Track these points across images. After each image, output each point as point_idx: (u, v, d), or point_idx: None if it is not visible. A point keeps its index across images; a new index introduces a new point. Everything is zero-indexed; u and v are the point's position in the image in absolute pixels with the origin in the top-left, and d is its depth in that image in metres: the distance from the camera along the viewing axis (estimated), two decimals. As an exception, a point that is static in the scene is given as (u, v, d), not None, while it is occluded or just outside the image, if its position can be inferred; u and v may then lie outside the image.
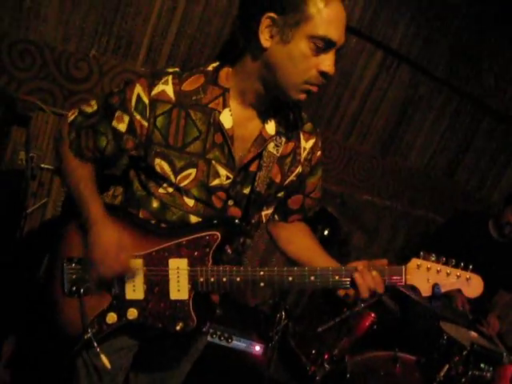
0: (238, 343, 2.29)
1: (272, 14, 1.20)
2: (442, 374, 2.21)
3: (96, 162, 1.46)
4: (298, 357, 2.66)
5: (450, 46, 3.33)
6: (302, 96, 1.30)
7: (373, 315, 2.62)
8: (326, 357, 2.48)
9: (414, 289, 1.38)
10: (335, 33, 1.21)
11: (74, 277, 1.44)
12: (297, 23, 1.19)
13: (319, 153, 1.55)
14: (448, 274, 1.36)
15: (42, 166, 2.47)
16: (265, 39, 1.23)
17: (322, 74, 1.25)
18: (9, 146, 2.33)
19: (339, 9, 1.21)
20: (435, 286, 1.35)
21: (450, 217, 3.44)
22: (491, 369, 2.18)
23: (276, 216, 1.62)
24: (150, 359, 1.67)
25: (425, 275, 1.36)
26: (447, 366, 2.22)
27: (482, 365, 2.19)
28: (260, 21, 1.21)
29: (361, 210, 3.54)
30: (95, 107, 1.41)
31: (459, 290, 1.37)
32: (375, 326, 2.64)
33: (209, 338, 2.23)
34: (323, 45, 1.21)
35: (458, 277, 1.36)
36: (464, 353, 2.28)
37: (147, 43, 2.48)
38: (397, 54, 3.16)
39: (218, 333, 2.24)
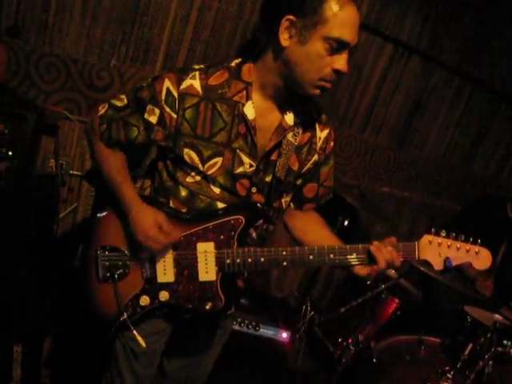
0: (266, 331, 2.37)
1: (291, 17, 1.32)
2: (466, 353, 2.25)
3: (125, 150, 1.57)
4: (325, 346, 2.72)
5: (460, 34, 3.36)
6: (317, 91, 1.42)
7: (396, 301, 2.67)
8: (350, 341, 2.53)
9: (426, 263, 1.46)
10: (349, 35, 1.33)
11: (107, 264, 1.54)
12: (314, 25, 1.31)
13: (332, 143, 1.67)
14: (458, 249, 1.44)
15: (71, 172, 2.59)
16: (284, 39, 1.35)
17: (336, 71, 1.37)
18: (39, 155, 2.46)
19: (353, 12, 1.33)
20: (447, 259, 1.43)
21: (469, 203, 3.45)
22: (515, 345, 2.22)
23: (292, 204, 1.71)
24: (182, 345, 1.77)
25: (436, 250, 1.45)
26: (471, 346, 2.25)
27: (504, 341, 2.23)
28: (280, 23, 1.33)
29: (380, 201, 3.58)
30: (125, 101, 1.51)
31: (470, 264, 1.44)
32: (399, 312, 2.69)
33: (237, 327, 2.32)
34: (337, 45, 1.33)
35: (468, 251, 1.45)
36: (488, 334, 2.31)
37: (164, 50, 2.60)
38: (406, 45, 3.21)
39: (246, 321, 2.32)
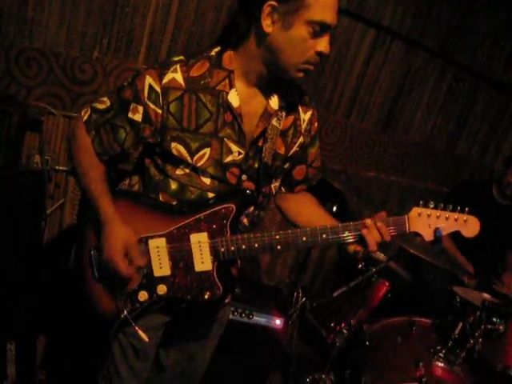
0: (259, 318, 2.38)
1: (273, 2, 1.32)
2: (456, 332, 2.29)
3: (114, 159, 1.54)
4: (318, 331, 2.75)
5: (442, 17, 3.37)
6: (300, 74, 1.43)
7: (386, 284, 2.70)
8: (343, 325, 2.57)
9: (417, 235, 1.50)
10: (330, 17, 1.34)
11: (102, 263, 1.52)
12: (296, 10, 1.31)
13: (316, 123, 1.67)
14: (447, 218, 1.48)
15: (57, 167, 2.56)
16: (266, 25, 1.35)
17: (319, 53, 1.38)
18: (24, 151, 2.43)
19: None
20: (436, 230, 1.47)
21: (455, 185, 3.50)
22: (503, 322, 2.27)
23: (283, 188, 1.72)
24: (179, 338, 1.78)
25: (426, 221, 1.48)
26: (461, 325, 2.30)
27: (494, 319, 2.28)
28: (262, 9, 1.33)
29: (367, 186, 3.62)
30: (108, 103, 1.49)
31: (459, 232, 1.49)
32: (389, 295, 2.73)
33: (230, 316, 2.33)
34: (320, 28, 1.33)
35: (456, 219, 1.48)
36: (477, 312, 2.36)
37: (146, 41, 2.57)
38: (389, 30, 3.22)
39: (239, 310, 2.33)
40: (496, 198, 3.22)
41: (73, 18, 2.38)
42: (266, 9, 1.32)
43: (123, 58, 2.55)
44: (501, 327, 2.26)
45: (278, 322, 2.43)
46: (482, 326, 2.25)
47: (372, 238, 1.46)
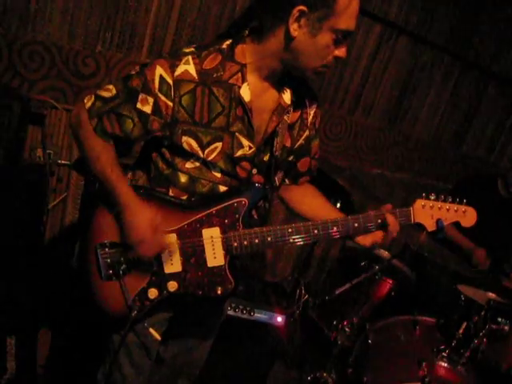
0: (260, 315, 2.36)
1: (303, 8, 1.31)
2: (461, 331, 2.26)
3: (118, 144, 1.50)
4: (320, 328, 2.73)
5: (448, 12, 3.35)
6: (315, 76, 1.46)
7: (390, 282, 2.67)
8: (345, 323, 2.55)
9: (420, 226, 1.56)
10: (354, 25, 1.37)
11: (108, 261, 1.51)
12: (325, 18, 1.32)
13: (319, 117, 1.68)
14: (448, 209, 1.58)
15: (59, 162, 2.55)
16: (294, 29, 1.35)
17: (336, 58, 1.41)
18: (26, 145, 2.42)
19: (358, 3, 1.36)
20: (438, 220, 1.56)
21: (460, 179, 3.47)
22: (508, 322, 2.24)
23: (287, 180, 1.72)
24: (179, 331, 1.77)
25: (429, 213, 1.57)
26: (465, 324, 2.27)
27: (499, 319, 2.25)
28: (291, 12, 1.32)
29: (371, 183, 3.59)
30: (114, 91, 1.43)
31: (458, 222, 1.58)
32: (393, 293, 2.70)
33: (231, 312, 2.32)
34: (343, 36, 1.36)
35: (456, 210, 1.58)
36: (482, 312, 2.33)
37: (150, 35, 2.56)
38: (395, 25, 3.19)
39: (240, 306, 2.32)
40: (501, 192, 3.20)
41: (76, 11, 2.37)
42: (296, 13, 1.32)
43: (126, 52, 2.54)
44: (506, 327, 2.23)
45: (279, 319, 2.41)
46: (487, 326, 2.22)
47: (395, 224, 1.52)
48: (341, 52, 1.39)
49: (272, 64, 1.44)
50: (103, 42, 2.48)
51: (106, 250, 1.51)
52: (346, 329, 2.50)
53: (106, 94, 1.44)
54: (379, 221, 1.52)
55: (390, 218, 1.51)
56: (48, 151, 2.46)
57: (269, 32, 1.39)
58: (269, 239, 1.48)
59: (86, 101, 1.46)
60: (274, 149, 1.52)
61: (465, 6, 3.39)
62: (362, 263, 2.62)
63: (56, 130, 2.53)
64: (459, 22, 3.42)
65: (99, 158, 1.45)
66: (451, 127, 3.85)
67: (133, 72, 1.44)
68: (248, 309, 2.36)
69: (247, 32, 1.44)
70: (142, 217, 1.42)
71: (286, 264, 3.48)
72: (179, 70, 1.39)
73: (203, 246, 1.49)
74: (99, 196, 1.53)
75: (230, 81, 1.43)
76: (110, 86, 1.44)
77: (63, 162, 2.57)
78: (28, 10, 2.28)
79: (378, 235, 1.54)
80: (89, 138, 1.46)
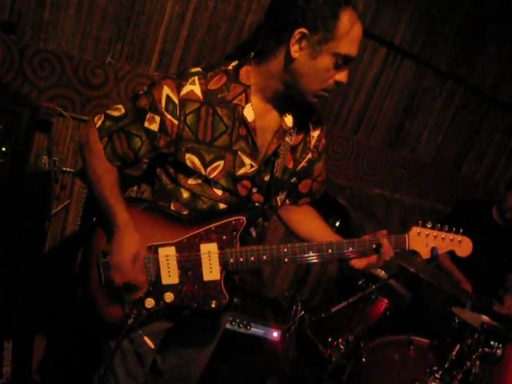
0: (257, 330, 2.37)
1: (304, 30, 1.34)
2: (454, 353, 2.28)
3: (126, 165, 1.55)
4: (315, 345, 2.74)
5: (453, 38, 3.40)
6: (316, 100, 1.48)
7: (386, 301, 2.69)
8: (340, 340, 2.56)
9: (415, 253, 1.57)
10: (355, 50, 1.38)
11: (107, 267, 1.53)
12: (325, 41, 1.34)
13: (324, 140, 1.71)
14: (443, 238, 1.58)
15: (64, 169, 2.58)
16: (294, 51, 1.37)
17: (337, 83, 1.42)
18: (33, 151, 2.45)
19: (360, 29, 1.38)
20: (433, 249, 1.56)
21: (456, 204, 3.51)
22: (501, 346, 2.26)
23: (287, 200, 1.74)
24: (177, 342, 1.79)
25: (424, 240, 1.57)
26: (459, 346, 2.29)
27: (491, 342, 2.27)
28: (292, 34, 1.35)
29: (371, 202, 3.62)
30: (123, 111, 1.48)
31: (453, 251, 1.59)
32: (388, 312, 2.72)
33: (228, 326, 2.33)
34: (343, 60, 1.37)
35: (452, 240, 1.58)
36: (475, 335, 2.35)
37: (159, 49, 2.60)
38: (400, 49, 3.24)
39: (237, 320, 2.33)
40: (496, 219, 3.23)
41: (88, 22, 2.41)
42: (297, 35, 1.34)
43: (135, 64, 2.58)
44: (498, 351, 2.25)
45: (275, 334, 2.42)
46: (480, 349, 2.24)
47: (389, 250, 1.52)
48: (341, 76, 1.40)
49: (274, 86, 1.46)
50: (113, 53, 2.52)
51: (108, 257, 1.53)
52: (341, 346, 2.52)
53: (115, 114, 1.49)
54: (374, 246, 1.54)
55: (385, 244, 1.52)
56: (53, 158, 2.49)
57: (272, 53, 1.42)
58: (264, 257, 1.51)
59: (96, 120, 1.50)
60: (275, 170, 1.55)
61: (469, 31, 3.44)
62: (359, 282, 2.64)
63: (62, 138, 2.56)
64: (463, 47, 3.47)
65: (100, 179, 1.50)
66: (452, 150, 3.89)
67: (141, 92, 1.48)
68: (245, 323, 2.37)
69: (253, 54, 1.47)
70: (128, 246, 1.47)
71: (284, 280, 3.49)
72: (185, 90, 1.44)
73: (201, 260, 1.52)
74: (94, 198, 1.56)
75: (234, 101, 1.46)
76: (120, 106, 1.49)
77: (68, 169, 2.60)
78: (41, 19, 2.32)
79: (371, 259, 1.56)
80: (96, 159, 1.51)
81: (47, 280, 2.46)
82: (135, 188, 1.65)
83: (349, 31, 1.34)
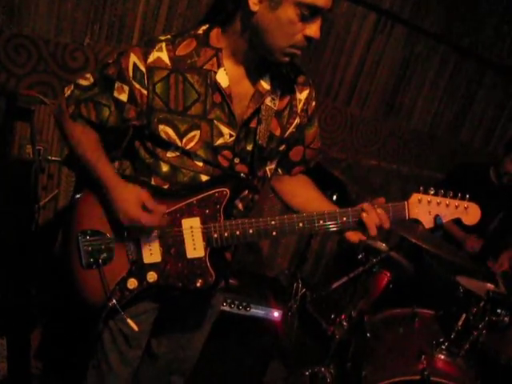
0: (257, 311, 2.32)
1: None
2: (460, 323, 2.24)
3: (98, 131, 1.49)
4: (317, 322, 2.71)
5: (444, 0, 3.29)
6: (287, 59, 1.36)
7: (388, 274, 2.65)
8: (343, 316, 2.52)
9: (417, 222, 1.44)
10: (322, 0, 1.25)
11: (90, 249, 1.49)
12: None
13: (314, 103, 1.60)
14: (447, 205, 1.44)
15: (50, 158, 2.51)
16: (253, 3, 1.27)
17: (308, 38, 1.30)
18: (15, 141, 2.37)
19: None
20: (436, 217, 1.43)
21: (452, 168, 3.44)
22: (508, 313, 2.22)
23: (279, 170, 1.67)
24: (171, 326, 1.74)
25: (426, 208, 1.44)
26: (465, 316, 2.24)
27: (498, 310, 2.22)
28: None
29: (368, 174, 3.56)
30: (91, 79, 1.44)
31: (460, 219, 1.44)
32: (391, 285, 2.68)
33: (227, 308, 2.28)
34: (310, 12, 1.25)
35: (457, 206, 1.44)
36: (481, 303, 2.30)
37: (139, 26, 2.50)
38: (389, 14, 3.14)
39: (236, 302, 2.28)
40: (493, 180, 3.19)
41: (63, 3, 2.31)
42: None
43: (115, 44, 2.48)
44: (506, 319, 2.21)
45: (276, 314, 2.38)
46: (486, 318, 2.19)
47: (372, 222, 1.40)
48: (311, 31, 1.28)
49: (244, 47, 1.37)
50: (91, 34, 2.42)
51: (88, 237, 1.49)
52: (344, 323, 2.47)
53: (84, 83, 1.45)
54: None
55: (371, 210, 1.40)
56: (38, 147, 2.41)
57: (235, 12, 1.34)
58: (250, 231, 1.43)
59: (66, 90, 1.48)
60: (257, 137, 1.46)
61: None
62: (359, 256, 2.59)
63: (45, 126, 2.48)
64: (455, 10, 3.36)
65: (79, 143, 1.46)
66: (448, 117, 3.80)
67: (110, 60, 1.42)
68: (244, 304, 2.33)
69: (223, 16, 1.37)
70: (128, 194, 1.40)
71: (283, 257, 3.44)
72: (152, 58, 1.36)
73: (183, 236, 1.45)
74: (82, 183, 1.52)
75: (205, 66, 1.38)
76: (88, 75, 1.45)
77: (53, 158, 2.52)
78: (12, 3, 2.22)
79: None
80: (68, 125, 1.48)
81: (39, 273, 2.40)
82: (116, 165, 1.57)
83: None
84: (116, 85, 1.39)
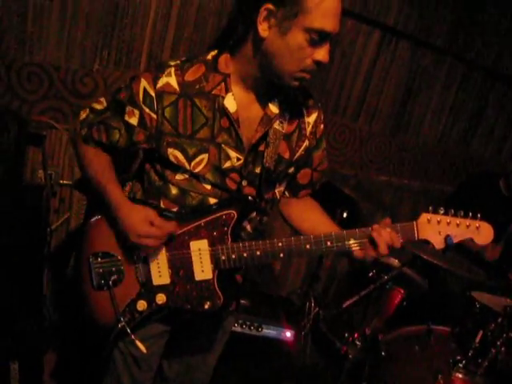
0: (269, 331, 2.31)
1: (270, 6, 1.27)
2: (477, 340, 2.19)
3: (110, 153, 1.54)
4: (331, 341, 2.67)
5: (448, 13, 3.29)
6: (296, 83, 1.38)
7: (401, 291, 2.61)
8: (356, 335, 2.48)
9: (427, 243, 1.41)
10: (331, 25, 1.28)
11: (100, 270, 1.50)
12: (294, 15, 1.25)
13: (322, 126, 1.62)
14: (458, 225, 1.40)
15: (61, 182, 2.54)
16: (263, 30, 1.30)
17: (317, 62, 1.33)
18: (27, 166, 2.41)
19: (335, 0, 1.27)
20: (447, 237, 1.39)
21: (463, 180, 3.42)
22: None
23: (287, 193, 1.67)
24: (182, 348, 1.74)
25: (436, 228, 1.40)
26: (482, 332, 2.19)
27: (516, 326, 2.17)
28: (258, 12, 1.28)
29: (379, 190, 3.54)
30: (105, 103, 1.50)
31: (471, 239, 1.40)
32: (405, 302, 2.63)
33: (239, 329, 2.27)
34: (319, 36, 1.28)
35: (468, 226, 1.40)
36: (498, 319, 2.25)
37: (147, 51, 2.54)
38: (394, 30, 3.15)
39: (248, 323, 2.27)
40: (503, 191, 3.15)
41: (72, 31, 2.36)
42: (263, 12, 1.28)
43: (124, 69, 2.52)
44: (524, 334, 2.16)
45: (288, 334, 2.36)
46: (504, 334, 2.14)
47: (383, 240, 1.38)
48: (320, 55, 1.30)
49: (253, 72, 1.40)
50: (100, 60, 2.46)
51: (99, 259, 1.51)
52: (357, 342, 2.43)
53: (98, 107, 1.51)
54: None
55: (379, 232, 1.38)
56: (49, 172, 2.45)
57: (244, 38, 1.36)
58: (258, 253, 1.44)
59: (81, 113, 1.55)
60: (265, 160, 1.47)
61: (465, 5, 3.32)
62: (370, 274, 2.55)
63: (57, 150, 2.51)
64: (460, 23, 3.36)
65: (91, 164, 1.51)
66: (457, 130, 3.78)
67: (122, 85, 1.47)
68: (256, 325, 2.31)
69: (233, 41, 1.40)
70: (136, 213, 1.41)
71: (295, 276, 3.42)
72: (161, 82, 1.40)
73: (191, 258, 1.46)
74: (93, 207, 1.55)
75: (214, 92, 1.41)
76: (102, 99, 1.51)
77: (65, 182, 2.56)
78: (24, 32, 2.27)
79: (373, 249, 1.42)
80: (81, 147, 1.53)
81: (53, 297, 2.41)
82: (127, 188, 1.61)
83: (319, 3, 1.24)
84: (127, 109, 1.43)
